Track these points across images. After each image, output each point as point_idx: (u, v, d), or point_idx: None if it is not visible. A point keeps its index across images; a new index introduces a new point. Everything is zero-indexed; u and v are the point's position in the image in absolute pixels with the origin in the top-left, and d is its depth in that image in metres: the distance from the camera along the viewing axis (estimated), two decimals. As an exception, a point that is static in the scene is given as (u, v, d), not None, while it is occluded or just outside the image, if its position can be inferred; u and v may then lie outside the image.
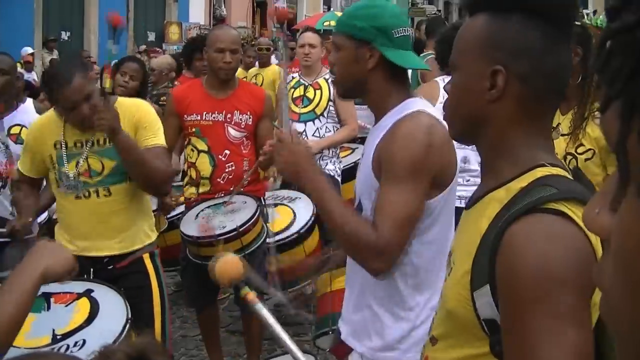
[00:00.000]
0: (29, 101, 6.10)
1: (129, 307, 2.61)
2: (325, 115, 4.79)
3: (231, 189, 3.80)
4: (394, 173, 2.00)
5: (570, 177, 1.29)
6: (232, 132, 3.88)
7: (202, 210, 3.84)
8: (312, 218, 4.29)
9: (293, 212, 4.30)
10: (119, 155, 3.00)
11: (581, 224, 1.16)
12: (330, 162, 4.76)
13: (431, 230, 2.07)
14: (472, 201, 1.38)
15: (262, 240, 3.75)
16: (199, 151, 3.89)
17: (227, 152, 3.87)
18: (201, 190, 3.91)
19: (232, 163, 3.87)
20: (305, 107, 4.77)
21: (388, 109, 2.09)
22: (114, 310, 2.59)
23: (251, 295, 1.81)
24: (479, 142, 1.37)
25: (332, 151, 4.77)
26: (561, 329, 1.11)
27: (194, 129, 3.88)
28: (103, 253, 3.11)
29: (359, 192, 2.18)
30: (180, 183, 4.46)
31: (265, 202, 4.10)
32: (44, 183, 3.42)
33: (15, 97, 4.18)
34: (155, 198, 4.08)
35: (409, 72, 2.88)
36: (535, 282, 1.12)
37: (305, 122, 4.72)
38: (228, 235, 3.58)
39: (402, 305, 2.10)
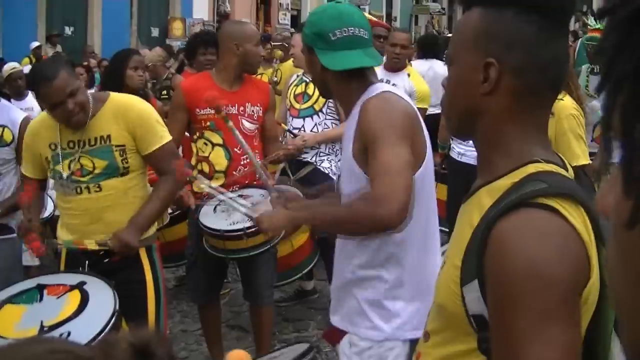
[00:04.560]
0: (29, 97, 6.06)
1: (117, 300, 2.60)
2: (324, 111, 4.68)
3: (246, 181, 3.76)
4: (374, 140, 2.06)
5: (565, 174, 1.28)
6: (247, 124, 3.85)
7: (219, 203, 3.69)
8: None
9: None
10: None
11: (571, 220, 1.15)
12: (327, 159, 4.65)
13: (412, 210, 2.10)
14: (469, 195, 1.37)
15: None
16: (214, 145, 3.84)
17: None
18: (214, 184, 3.79)
19: (247, 156, 3.73)
20: (305, 102, 4.73)
21: (353, 101, 2.19)
22: (102, 302, 2.59)
23: None
24: (475, 136, 1.36)
25: (329, 148, 4.65)
26: (548, 327, 1.10)
27: (208, 123, 3.82)
28: (95, 247, 3.09)
29: (342, 180, 2.26)
30: None
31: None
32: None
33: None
34: None
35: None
36: (523, 279, 1.11)
37: (304, 117, 4.69)
38: (254, 229, 3.44)
39: (387, 294, 2.18)
